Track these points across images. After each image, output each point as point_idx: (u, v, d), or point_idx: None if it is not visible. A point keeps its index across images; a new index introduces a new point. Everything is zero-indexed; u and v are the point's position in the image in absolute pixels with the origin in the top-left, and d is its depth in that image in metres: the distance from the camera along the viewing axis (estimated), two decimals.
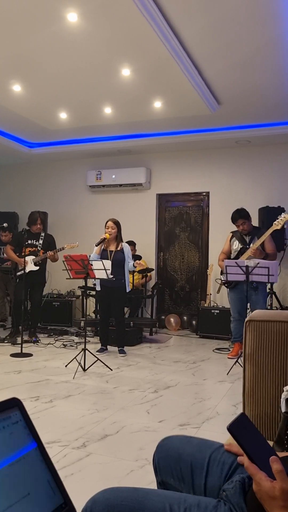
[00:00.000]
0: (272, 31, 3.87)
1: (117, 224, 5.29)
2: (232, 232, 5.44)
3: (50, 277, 6.73)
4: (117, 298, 5.26)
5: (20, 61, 4.47)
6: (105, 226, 5.30)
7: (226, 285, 5.33)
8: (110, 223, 5.28)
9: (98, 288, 5.30)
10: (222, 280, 5.46)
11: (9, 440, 0.68)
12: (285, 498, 0.81)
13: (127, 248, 5.32)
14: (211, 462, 1.15)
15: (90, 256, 5.22)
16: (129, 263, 5.24)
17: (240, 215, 5.17)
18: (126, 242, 5.57)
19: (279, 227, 4.84)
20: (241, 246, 5.22)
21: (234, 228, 5.43)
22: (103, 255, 5.18)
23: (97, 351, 5.18)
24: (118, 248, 5.25)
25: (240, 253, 5.17)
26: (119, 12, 3.55)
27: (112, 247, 5.26)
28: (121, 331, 5.38)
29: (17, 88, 5.12)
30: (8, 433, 0.69)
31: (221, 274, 5.50)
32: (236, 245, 5.28)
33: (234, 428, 0.90)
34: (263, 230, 5.25)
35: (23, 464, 0.68)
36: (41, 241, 5.98)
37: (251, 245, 5.14)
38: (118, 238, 5.30)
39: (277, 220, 4.84)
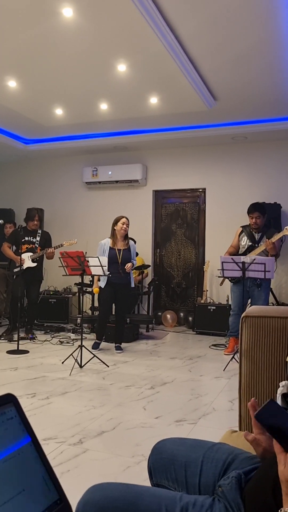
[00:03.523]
0: (268, 27, 3.86)
1: (128, 222, 5.33)
2: (242, 226, 5.39)
3: (46, 274, 6.72)
4: (124, 295, 5.28)
5: (15, 57, 4.44)
6: (119, 221, 5.22)
7: (230, 278, 5.31)
8: (125, 219, 5.25)
9: (102, 285, 5.24)
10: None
11: (4, 435, 0.68)
12: None
13: (133, 246, 5.37)
14: (205, 460, 1.15)
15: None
16: (132, 262, 5.27)
17: (255, 208, 5.16)
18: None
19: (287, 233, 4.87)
20: (249, 244, 5.20)
21: (233, 224, 5.43)
22: (111, 253, 5.15)
23: (92, 347, 5.17)
24: (126, 247, 5.26)
25: (248, 250, 5.15)
26: (115, 8, 3.53)
27: (120, 245, 5.25)
28: (121, 327, 5.38)
29: (12, 84, 5.09)
30: (2, 429, 0.68)
31: None
32: (245, 241, 5.24)
33: (261, 415, 0.88)
34: (272, 230, 5.23)
35: (18, 460, 0.68)
36: (38, 238, 5.97)
37: (260, 243, 5.12)
38: (126, 236, 5.32)
39: (286, 228, 4.86)
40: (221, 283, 6.51)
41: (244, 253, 5.12)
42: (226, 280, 5.59)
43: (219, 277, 5.44)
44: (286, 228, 4.89)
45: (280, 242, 5.17)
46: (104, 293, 5.33)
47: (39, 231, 6.04)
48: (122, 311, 5.33)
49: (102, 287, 5.25)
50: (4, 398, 0.71)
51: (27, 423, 0.72)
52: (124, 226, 5.22)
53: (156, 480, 1.22)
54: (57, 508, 0.69)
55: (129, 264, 5.15)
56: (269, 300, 5.35)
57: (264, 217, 5.20)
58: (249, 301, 5.23)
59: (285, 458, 0.83)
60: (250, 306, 4.85)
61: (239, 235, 5.35)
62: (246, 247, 5.20)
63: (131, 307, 6.86)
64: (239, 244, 5.32)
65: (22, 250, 5.63)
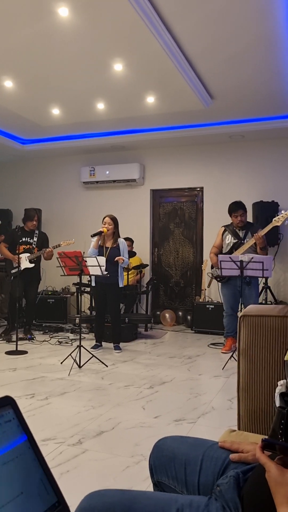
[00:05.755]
0: (264, 26, 3.86)
1: (114, 220, 5.28)
2: (224, 226, 5.44)
3: (44, 274, 6.71)
4: (112, 295, 5.25)
5: (11, 57, 4.43)
6: (102, 221, 5.29)
7: (218, 279, 5.34)
8: (107, 218, 5.27)
9: (93, 284, 5.30)
10: (212, 274, 5.48)
11: (2, 439, 0.68)
12: None
13: (123, 244, 5.30)
14: (205, 459, 1.16)
15: (89, 250, 5.21)
16: (125, 261, 5.22)
17: (239, 206, 5.24)
18: (123, 239, 5.55)
19: (279, 223, 4.87)
20: (234, 241, 5.22)
21: (228, 222, 5.43)
22: (99, 252, 5.17)
23: (91, 348, 5.17)
24: (114, 245, 5.24)
25: (234, 247, 5.17)
26: (111, 7, 3.53)
27: (109, 244, 5.24)
28: (117, 327, 5.37)
29: (8, 84, 5.08)
30: (0, 432, 0.68)
31: (211, 269, 5.51)
32: (229, 239, 5.28)
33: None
34: (256, 226, 5.28)
35: (16, 463, 0.68)
36: (35, 239, 5.96)
37: (246, 240, 5.15)
38: (115, 234, 5.29)
39: (277, 217, 4.87)
40: (209, 285, 6.52)
41: (230, 251, 5.15)
42: (214, 281, 5.65)
43: (213, 277, 5.44)
44: (274, 220, 4.89)
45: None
46: (94, 293, 5.35)
47: (36, 232, 6.04)
48: (112, 311, 5.32)
49: (93, 285, 5.29)
50: (2, 400, 0.70)
51: (26, 426, 0.71)
52: (106, 225, 5.22)
53: (157, 478, 1.22)
54: (55, 510, 0.68)
55: (119, 258, 5.10)
56: (259, 297, 5.37)
57: (246, 214, 5.30)
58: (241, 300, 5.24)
59: (271, 463, 0.87)
60: (242, 304, 4.84)
61: (222, 235, 5.39)
62: (231, 245, 5.22)
63: (129, 306, 6.86)
64: (222, 244, 5.35)
65: (19, 250, 5.62)
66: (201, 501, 0.99)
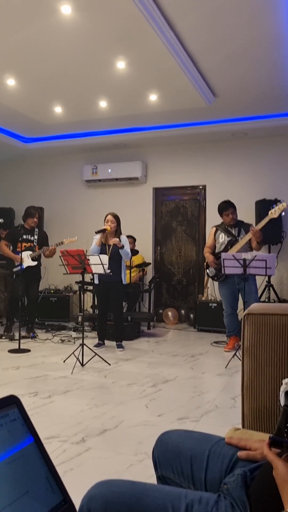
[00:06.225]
0: (268, 22, 3.84)
1: (116, 218, 5.28)
2: (215, 226, 5.44)
3: (46, 273, 6.72)
4: (115, 293, 5.25)
5: (13, 55, 4.43)
6: (105, 219, 5.28)
7: (215, 278, 5.33)
8: (109, 216, 5.27)
9: (96, 281, 5.29)
10: (208, 274, 5.47)
11: (7, 437, 0.68)
12: None
13: (123, 239, 5.30)
14: (211, 455, 1.15)
15: (91, 247, 5.21)
16: (125, 249, 5.17)
17: (230, 204, 5.25)
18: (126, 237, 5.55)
19: (275, 215, 4.83)
20: (228, 238, 5.21)
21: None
22: (101, 249, 5.17)
23: (94, 346, 5.17)
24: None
25: (230, 244, 5.17)
26: (113, 5, 3.52)
27: (111, 241, 5.24)
28: (120, 325, 5.37)
29: (11, 82, 5.07)
30: (6, 431, 0.68)
31: (206, 269, 5.49)
32: (223, 238, 5.27)
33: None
34: (246, 224, 5.28)
35: (22, 462, 0.67)
36: (36, 236, 5.97)
37: (241, 236, 5.14)
38: (117, 232, 5.29)
39: (273, 209, 4.83)
40: (206, 284, 6.50)
41: (226, 248, 5.14)
42: (210, 280, 5.65)
43: (210, 277, 5.42)
44: (270, 212, 4.86)
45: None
46: (97, 292, 5.37)
47: (36, 230, 6.04)
48: (115, 309, 5.33)
49: (97, 283, 5.28)
50: (7, 400, 0.70)
51: (30, 425, 0.71)
52: (108, 223, 5.22)
53: (161, 472, 1.22)
54: (61, 509, 0.68)
55: (115, 239, 5.07)
56: (258, 292, 5.37)
57: (236, 211, 5.30)
58: (240, 297, 5.24)
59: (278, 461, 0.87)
60: (244, 301, 4.83)
61: (215, 234, 5.38)
62: (226, 242, 5.22)
63: (132, 304, 6.86)
64: (215, 243, 5.34)
65: (21, 248, 5.62)
66: (210, 498, 0.98)
